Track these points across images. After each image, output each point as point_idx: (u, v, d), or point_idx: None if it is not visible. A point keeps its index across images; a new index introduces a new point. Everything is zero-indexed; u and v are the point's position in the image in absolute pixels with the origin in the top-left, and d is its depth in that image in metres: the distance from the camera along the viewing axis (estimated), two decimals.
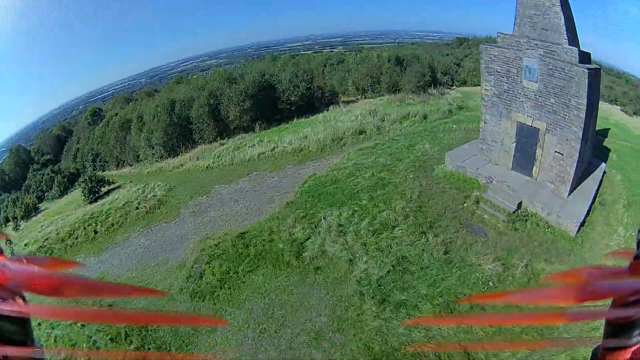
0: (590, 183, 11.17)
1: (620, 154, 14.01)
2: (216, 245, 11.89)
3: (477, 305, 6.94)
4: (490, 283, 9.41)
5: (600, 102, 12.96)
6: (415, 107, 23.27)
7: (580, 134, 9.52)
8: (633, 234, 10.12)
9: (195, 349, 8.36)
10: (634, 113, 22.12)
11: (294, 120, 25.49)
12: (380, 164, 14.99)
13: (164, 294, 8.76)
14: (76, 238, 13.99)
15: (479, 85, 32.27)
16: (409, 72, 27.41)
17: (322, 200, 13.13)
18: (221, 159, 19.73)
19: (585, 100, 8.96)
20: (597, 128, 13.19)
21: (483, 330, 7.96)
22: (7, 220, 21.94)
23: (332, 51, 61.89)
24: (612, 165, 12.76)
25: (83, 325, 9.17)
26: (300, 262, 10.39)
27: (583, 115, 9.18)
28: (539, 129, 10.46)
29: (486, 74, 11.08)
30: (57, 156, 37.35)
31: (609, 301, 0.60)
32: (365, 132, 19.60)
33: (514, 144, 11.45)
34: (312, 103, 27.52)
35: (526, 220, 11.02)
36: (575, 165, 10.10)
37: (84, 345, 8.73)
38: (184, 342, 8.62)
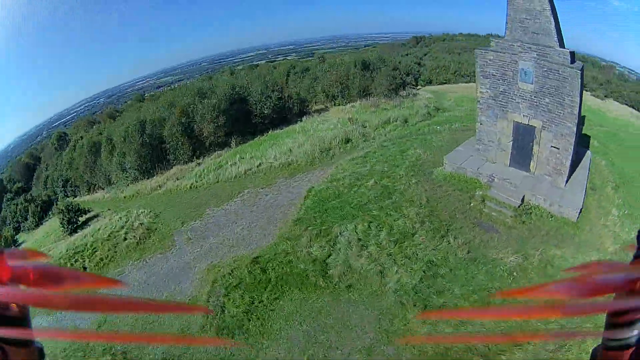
0: (581, 171, 12.62)
1: (599, 139, 15.92)
2: (229, 274, 11.62)
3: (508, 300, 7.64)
4: (515, 273, 10.26)
5: None
6: (392, 111, 24.40)
7: (575, 129, 10.79)
8: (626, 212, 11.62)
9: None
10: (605, 96, 24.44)
11: (269, 132, 25.53)
12: (378, 172, 15.55)
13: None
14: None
15: (445, 83, 35.04)
16: (379, 75, 28.60)
17: (331, 214, 13.34)
18: (204, 178, 19.21)
19: (579, 98, 10.22)
20: None
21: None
22: None
23: (285, 59, 62.61)
24: (595, 151, 14.50)
25: None
26: (329, 282, 10.52)
27: (577, 111, 10.44)
28: (535, 127, 11.64)
29: (481, 77, 12.12)
30: (27, 183, 37.20)
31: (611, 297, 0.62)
32: (351, 140, 20.17)
33: (511, 142, 12.58)
34: (284, 114, 27.71)
35: (530, 212, 12.13)
36: (570, 157, 11.38)
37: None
38: None
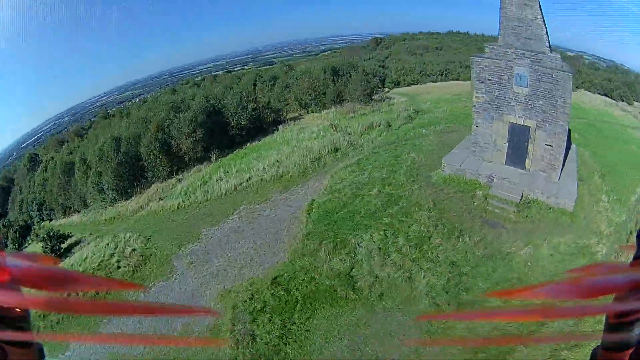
0: (570, 164, 14.16)
1: (580, 131, 17.83)
2: (250, 299, 11.51)
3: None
4: (529, 263, 11.31)
5: None
6: (372, 116, 25.35)
7: (567, 127, 12.18)
8: (615, 197, 13.23)
9: None
10: (576, 87, 26.81)
11: (248, 144, 25.39)
12: (378, 179, 16.17)
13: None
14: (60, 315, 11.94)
15: (414, 84, 36.83)
16: (352, 81, 29.53)
17: (342, 226, 13.69)
18: (190, 197, 18.69)
19: (570, 100, 11.57)
20: None
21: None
22: None
23: (243, 68, 62.40)
24: (578, 143, 16.30)
25: None
26: (359, 294, 10.86)
27: (569, 111, 11.82)
28: (529, 127, 12.92)
29: (477, 82, 13.23)
30: (3, 207, 35.58)
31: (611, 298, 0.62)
32: (340, 148, 20.69)
33: (507, 142, 13.79)
34: (259, 124, 27.70)
35: (530, 206, 13.38)
36: (562, 153, 12.77)
37: None
38: None
